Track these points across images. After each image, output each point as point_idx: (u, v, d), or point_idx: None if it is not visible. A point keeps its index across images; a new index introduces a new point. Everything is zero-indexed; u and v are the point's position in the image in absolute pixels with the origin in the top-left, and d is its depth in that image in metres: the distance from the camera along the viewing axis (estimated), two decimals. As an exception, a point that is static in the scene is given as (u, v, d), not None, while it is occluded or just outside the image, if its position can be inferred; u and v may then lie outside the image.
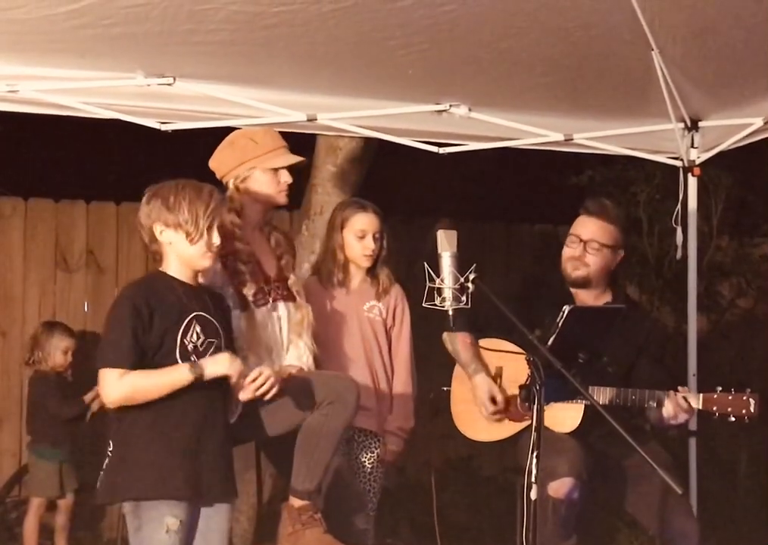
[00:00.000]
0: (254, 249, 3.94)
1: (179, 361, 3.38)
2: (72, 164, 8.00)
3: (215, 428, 3.45)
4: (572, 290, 4.30)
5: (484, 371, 4.21)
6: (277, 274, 3.97)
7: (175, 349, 3.39)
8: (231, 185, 3.95)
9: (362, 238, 4.33)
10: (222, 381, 3.44)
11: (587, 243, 4.24)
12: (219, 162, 4.00)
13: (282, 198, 4.00)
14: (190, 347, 3.41)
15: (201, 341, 3.43)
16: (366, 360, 4.33)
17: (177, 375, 3.34)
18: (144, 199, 3.51)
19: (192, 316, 3.43)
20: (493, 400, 4.17)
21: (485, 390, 4.18)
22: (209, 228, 3.46)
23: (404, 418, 4.36)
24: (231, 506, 3.53)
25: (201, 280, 3.60)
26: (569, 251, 4.28)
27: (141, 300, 3.41)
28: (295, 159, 4.00)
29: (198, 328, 3.42)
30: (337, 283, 4.35)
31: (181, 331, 3.40)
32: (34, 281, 6.44)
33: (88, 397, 5.69)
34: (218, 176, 4.00)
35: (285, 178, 3.97)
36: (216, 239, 3.48)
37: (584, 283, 4.27)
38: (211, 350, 3.43)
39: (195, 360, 3.39)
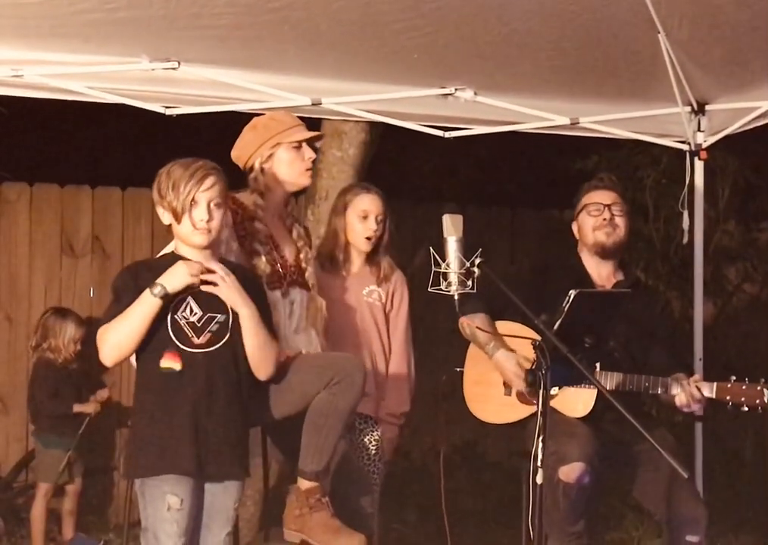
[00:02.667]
0: (273, 234, 3.93)
1: (172, 336, 3.39)
2: (77, 149, 8.01)
3: (222, 403, 3.45)
4: (592, 264, 4.30)
5: (504, 347, 4.17)
6: (295, 262, 3.97)
7: (165, 323, 3.39)
8: (256, 166, 3.93)
9: (364, 218, 4.32)
10: (230, 352, 3.45)
11: (611, 206, 4.28)
12: (242, 147, 3.97)
13: (306, 178, 3.97)
14: (182, 322, 3.40)
15: (198, 316, 3.42)
16: (365, 345, 4.32)
17: (143, 301, 3.35)
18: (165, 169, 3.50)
19: (187, 292, 3.42)
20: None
21: (511, 364, 4.13)
22: (192, 204, 3.41)
23: (396, 404, 4.35)
24: (239, 486, 3.53)
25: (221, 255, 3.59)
26: (595, 219, 4.28)
27: (133, 275, 3.45)
28: (313, 133, 4.00)
29: (193, 304, 3.41)
30: (338, 267, 4.35)
31: (172, 306, 3.40)
32: (40, 266, 6.45)
33: (77, 408, 5.71)
34: (242, 163, 3.96)
35: (309, 154, 3.95)
36: (200, 215, 3.41)
37: (618, 249, 4.29)
38: (213, 324, 3.43)
39: (191, 335, 3.40)
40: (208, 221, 3.43)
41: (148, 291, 3.35)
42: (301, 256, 4.00)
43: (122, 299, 3.41)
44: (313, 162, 3.99)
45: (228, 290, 3.44)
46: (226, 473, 3.48)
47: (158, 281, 3.36)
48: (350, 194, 4.39)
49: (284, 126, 3.96)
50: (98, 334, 3.41)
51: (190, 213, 3.42)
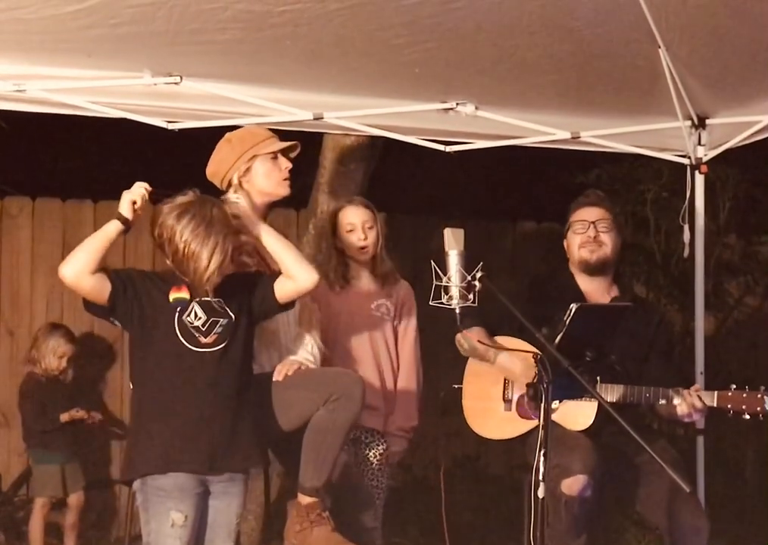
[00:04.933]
0: (258, 246, 3.95)
1: (180, 337, 3.48)
2: (79, 163, 8.01)
3: (226, 399, 3.50)
4: (583, 280, 4.31)
5: (504, 352, 4.19)
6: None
7: (173, 326, 3.49)
8: (235, 181, 3.96)
9: (351, 231, 4.34)
10: (236, 351, 3.51)
11: (596, 223, 4.29)
12: (218, 162, 4.01)
13: (284, 188, 4.00)
14: (189, 325, 3.50)
15: (203, 320, 3.51)
16: (374, 360, 4.33)
17: (105, 226, 3.56)
18: (171, 213, 3.54)
19: (192, 299, 3.52)
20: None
21: (516, 361, 4.13)
22: (217, 272, 3.50)
23: (405, 418, 4.36)
24: (241, 501, 3.56)
25: None
26: (581, 236, 4.30)
27: (125, 274, 3.58)
28: (288, 142, 4.02)
29: (198, 309, 3.52)
30: (340, 282, 4.36)
31: (178, 312, 3.50)
32: (41, 280, 6.44)
33: (64, 417, 5.70)
34: (219, 179, 3.99)
35: (286, 163, 3.99)
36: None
37: (603, 266, 4.30)
38: (217, 327, 3.51)
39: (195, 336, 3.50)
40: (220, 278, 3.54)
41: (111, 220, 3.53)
42: None
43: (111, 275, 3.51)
44: (290, 172, 4.01)
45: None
46: (236, 465, 3.52)
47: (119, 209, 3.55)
48: (336, 209, 4.44)
49: (258, 138, 3.99)
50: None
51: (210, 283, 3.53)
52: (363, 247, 4.34)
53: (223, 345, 3.52)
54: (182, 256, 3.48)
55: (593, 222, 4.29)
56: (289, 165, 4.00)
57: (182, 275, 3.53)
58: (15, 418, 6.23)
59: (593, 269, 4.30)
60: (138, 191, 3.57)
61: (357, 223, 4.34)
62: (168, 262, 3.58)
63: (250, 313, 3.61)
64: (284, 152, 4.00)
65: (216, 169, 4.00)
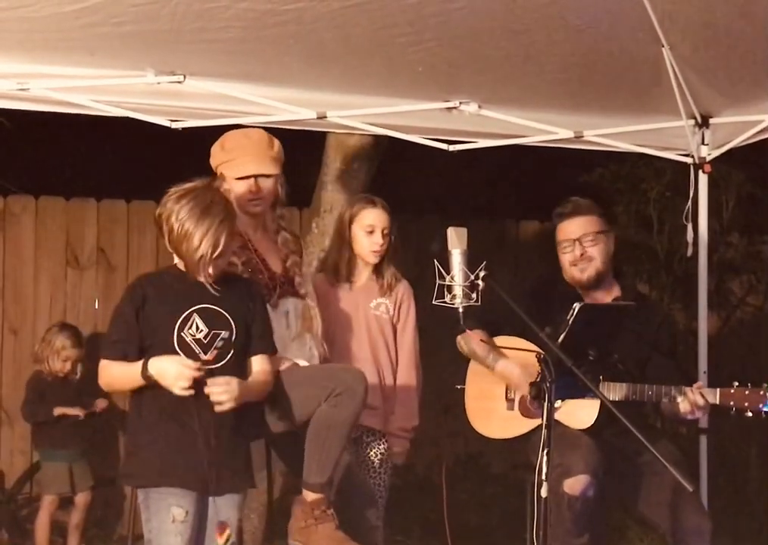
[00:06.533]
0: (257, 247, 3.93)
1: (179, 352, 3.41)
2: (82, 162, 8.01)
3: (227, 418, 3.46)
4: (582, 291, 4.28)
5: (503, 357, 4.17)
6: (283, 272, 3.97)
7: (172, 341, 3.42)
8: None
9: (371, 233, 4.33)
10: (235, 367, 3.47)
11: (581, 239, 4.22)
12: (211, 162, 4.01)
13: (250, 207, 3.94)
14: (189, 339, 3.43)
15: (204, 333, 3.44)
16: (373, 359, 4.32)
17: (132, 373, 3.40)
18: (173, 195, 3.50)
19: (192, 309, 3.45)
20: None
21: (515, 370, 4.13)
22: (209, 255, 3.44)
23: (406, 418, 4.35)
24: (242, 498, 3.55)
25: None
26: (568, 256, 4.24)
27: (138, 292, 3.48)
28: (252, 171, 3.91)
29: (199, 321, 3.44)
30: (344, 280, 4.35)
31: (178, 324, 3.43)
32: (45, 279, 6.46)
33: (57, 411, 5.71)
34: None
35: (251, 187, 3.91)
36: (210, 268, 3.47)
37: (596, 281, 4.25)
38: (218, 341, 3.45)
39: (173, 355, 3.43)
40: (215, 268, 3.49)
41: (139, 367, 3.37)
42: (288, 264, 3.99)
43: (118, 324, 3.46)
44: (258, 196, 3.91)
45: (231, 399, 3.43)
46: (233, 487, 3.50)
47: (152, 368, 3.36)
48: (355, 207, 4.39)
49: (227, 157, 3.94)
50: (100, 366, 3.48)
51: (202, 265, 3.46)
52: (376, 251, 4.34)
53: (224, 362, 3.45)
54: (177, 235, 3.44)
55: (577, 240, 4.21)
56: (253, 188, 3.90)
57: (178, 256, 3.48)
58: (18, 416, 6.24)
59: (587, 286, 4.26)
60: (190, 373, 3.36)
61: (378, 227, 4.33)
62: (168, 246, 3.53)
63: (248, 330, 3.53)
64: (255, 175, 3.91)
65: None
